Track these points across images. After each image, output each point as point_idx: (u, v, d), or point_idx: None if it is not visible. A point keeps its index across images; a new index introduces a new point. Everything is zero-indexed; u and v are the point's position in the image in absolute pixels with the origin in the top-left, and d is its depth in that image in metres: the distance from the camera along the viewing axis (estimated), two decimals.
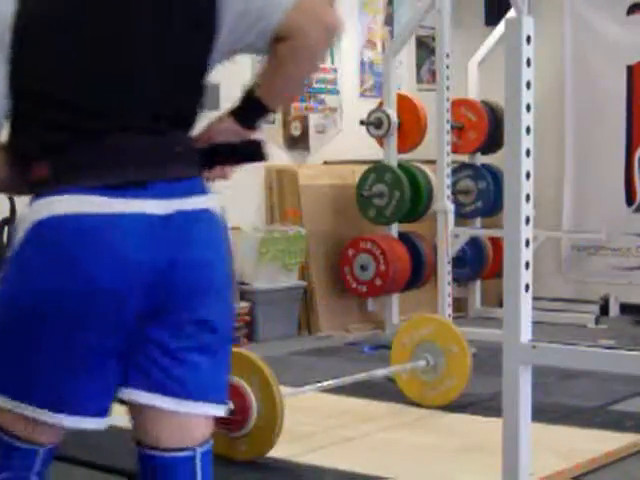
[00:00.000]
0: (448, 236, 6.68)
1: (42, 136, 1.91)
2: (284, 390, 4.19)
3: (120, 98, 1.92)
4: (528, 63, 2.90)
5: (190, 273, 1.97)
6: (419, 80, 9.21)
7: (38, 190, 1.91)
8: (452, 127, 6.91)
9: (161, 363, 2.00)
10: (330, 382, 4.76)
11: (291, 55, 1.97)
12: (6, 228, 6.40)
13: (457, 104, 7.65)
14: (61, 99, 1.89)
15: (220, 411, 2.10)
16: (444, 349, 4.95)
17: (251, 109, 2.10)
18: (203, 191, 2.04)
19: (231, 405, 4.02)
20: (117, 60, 1.91)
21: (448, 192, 6.74)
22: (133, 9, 1.92)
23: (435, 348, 4.97)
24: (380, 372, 4.97)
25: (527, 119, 2.91)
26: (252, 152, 2.13)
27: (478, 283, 8.53)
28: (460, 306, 8.23)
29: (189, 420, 2.07)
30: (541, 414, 3.98)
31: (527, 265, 2.92)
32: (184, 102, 2.07)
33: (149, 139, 1.95)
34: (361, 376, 4.82)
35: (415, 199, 7.50)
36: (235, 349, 4.46)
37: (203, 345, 2.02)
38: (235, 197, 7.48)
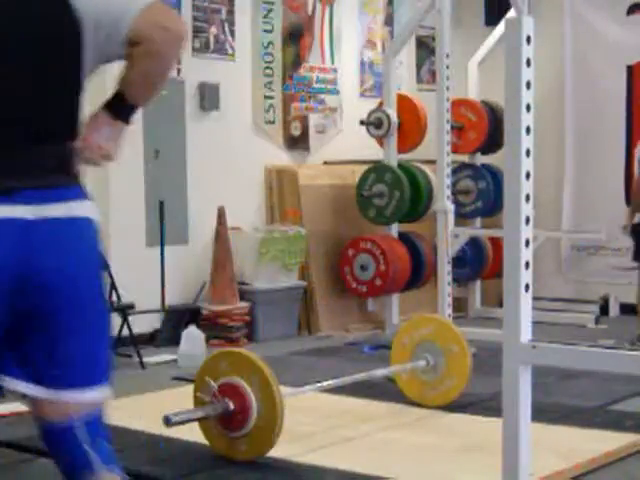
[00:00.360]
0: (448, 236, 6.68)
1: None
2: (284, 390, 4.19)
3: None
4: (528, 63, 2.90)
5: (51, 277, 2.16)
6: (419, 80, 9.22)
7: None
8: (452, 127, 6.91)
9: (34, 357, 2.24)
10: (330, 382, 4.76)
11: (142, 56, 2.21)
12: None
13: (457, 104, 7.66)
14: None
15: (96, 393, 2.31)
16: (444, 349, 4.95)
17: (116, 103, 2.31)
18: (79, 198, 2.24)
19: (231, 405, 4.03)
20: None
21: (448, 192, 6.74)
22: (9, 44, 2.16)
23: (435, 348, 4.97)
24: (380, 372, 4.97)
25: (527, 119, 2.91)
26: None
27: (478, 283, 8.54)
28: (460, 306, 8.23)
29: (66, 404, 2.29)
30: (541, 414, 3.99)
31: (527, 265, 2.92)
32: (56, 118, 2.25)
33: (18, 152, 2.16)
34: (361, 376, 4.82)
35: (415, 199, 7.50)
36: (235, 349, 4.47)
37: (68, 341, 2.24)
38: (235, 197, 7.51)
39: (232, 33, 7.70)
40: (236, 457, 4.07)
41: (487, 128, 8.08)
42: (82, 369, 2.29)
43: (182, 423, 4.01)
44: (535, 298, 3.10)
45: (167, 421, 3.92)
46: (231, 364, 4.11)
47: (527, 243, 2.92)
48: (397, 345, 5.12)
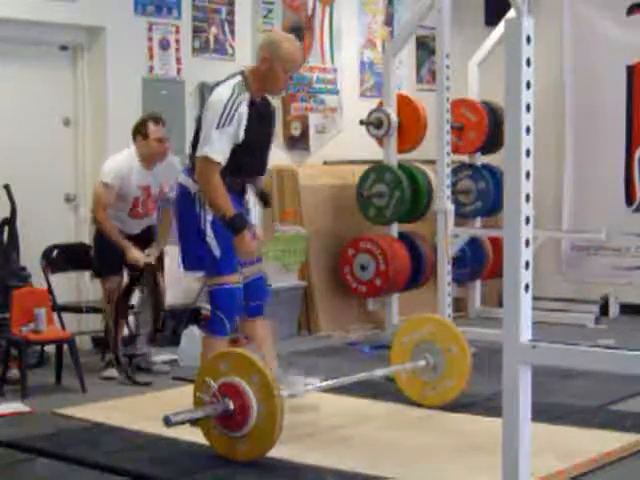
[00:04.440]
0: (448, 236, 6.67)
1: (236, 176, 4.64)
2: (284, 390, 4.19)
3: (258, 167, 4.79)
4: (528, 63, 2.90)
5: None
6: (419, 80, 9.22)
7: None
8: (452, 127, 6.90)
9: None
10: (330, 382, 4.77)
11: None
12: (6, 228, 6.41)
13: (457, 104, 7.65)
14: (247, 167, 4.67)
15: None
16: (444, 349, 4.95)
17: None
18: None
19: (231, 405, 4.03)
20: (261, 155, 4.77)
21: (448, 192, 6.74)
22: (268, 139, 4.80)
23: (435, 348, 4.97)
24: (380, 372, 4.97)
25: (527, 119, 2.91)
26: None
27: (478, 283, 8.53)
28: (460, 306, 8.23)
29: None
30: (541, 414, 3.99)
31: (527, 265, 2.92)
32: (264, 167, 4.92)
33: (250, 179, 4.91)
34: (361, 376, 4.82)
35: (415, 199, 7.50)
36: (235, 349, 4.46)
37: None
38: None
39: (232, 33, 7.70)
40: (236, 457, 4.07)
41: (487, 128, 8.08)
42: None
43: (182, 423, 4.01)
44: (535, 298, 3.11)
45: (167, 421, 3.92)
46: (231, 364, 4.10)
47: (527, 243, 2.92)
48: (397, 345, 5.12)
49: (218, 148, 4.42)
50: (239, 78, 4.57)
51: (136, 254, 5.91)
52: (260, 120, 4.61)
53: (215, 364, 4.16)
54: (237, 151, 4.49)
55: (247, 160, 4.58)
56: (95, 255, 6.10)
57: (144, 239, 6.10)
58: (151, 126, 5.95)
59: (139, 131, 5.97)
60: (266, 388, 4.00)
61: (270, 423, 3.98)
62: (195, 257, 4.67)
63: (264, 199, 5.04)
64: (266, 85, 4.61)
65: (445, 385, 4.96)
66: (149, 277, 5.99)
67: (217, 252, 4.57)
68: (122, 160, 5.94)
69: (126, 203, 5.96)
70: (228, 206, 4.44)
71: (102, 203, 5.91)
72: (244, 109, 4.47)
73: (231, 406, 4.03)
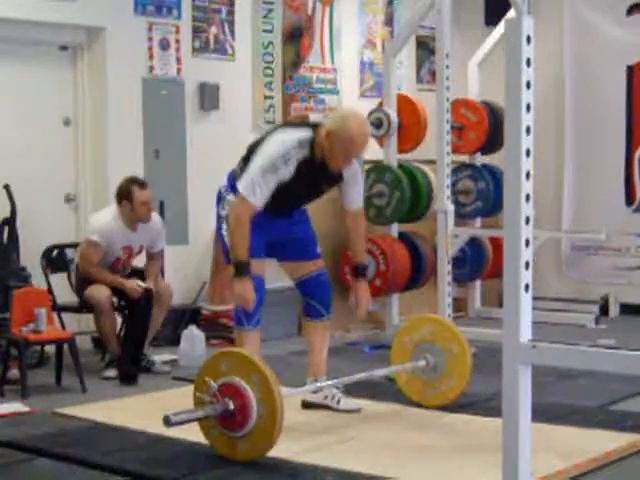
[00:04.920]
0: (448, 236, 6.67)
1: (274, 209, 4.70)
2: (284, 390, 4.19)
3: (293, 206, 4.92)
4: (528, 63, 2.90)
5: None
6: (419, 80, 9.22)
7: None
8: (452, 127, 6.90)
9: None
10: (330, 382, 4.77)
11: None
12: (6, 228, 6.41)
13: (457, 104, 7.65)
14: (287, 205, 4.78)
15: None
16: (444, 349, 4.94)
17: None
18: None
19: (231, 405, 4.03)
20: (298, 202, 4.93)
21: (448, 192, 6.73)
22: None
23: (435, 348, 4.97)
24: (380, 372, 4.98)
25: (527, 119, 2.91)
26: None
27: (478, 283, 8.54)
28: (460, 306, 8.23)
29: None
30: (541, 414, 3.99)
31: (527, 265, 2.92)
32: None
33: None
34: (361, 376, 4.82)
35: (415, 199, 7.50)
36: (234, 349, 4.46)
37: None
38: None
39: (232, 33, 7.70)
40: (236, 457, 4.07)
41: (487, 128, 8.07)
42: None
43: (182, 423, 4.00)
44: (535, 298, 3.11)
45: (167, 421, 3.92)
46: (231, 364, 4.10)
47: (527, 243, 2.92)
48: (397, 345, 5.12)
49: (258, 194, 4.46)
50: (308, 136, 4.57)
51: (133, 283, 6.01)
52: (313, 176, 4.61)
53: (215, 364, 4.16)
54: (276, 191, 4.53)
55: (282, 199, 4.62)
56: (78, 285, 6.18)
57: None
58: (137, 191, 6.04)
59: (125, 196, 6.05)
60: (266, 388, 3.99)
61: (270, 423, 3.98)
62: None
63: None
64: (324, 156, 4.58)
65: (446, 385, 4.95)
66: (144, 305, 6.01)
67: None
68: (107, 222, 6.06)
69: (106, 262, 6.09)
70: (242, 250, 4.51)
71: (91, 261, 6.03)
72: (292, 167, 4.49)
73: (231, 406, 4.03)
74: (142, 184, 6.11)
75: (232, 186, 4.71)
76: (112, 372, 5.97)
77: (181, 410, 4.05)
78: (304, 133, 4.58)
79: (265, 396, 3.99)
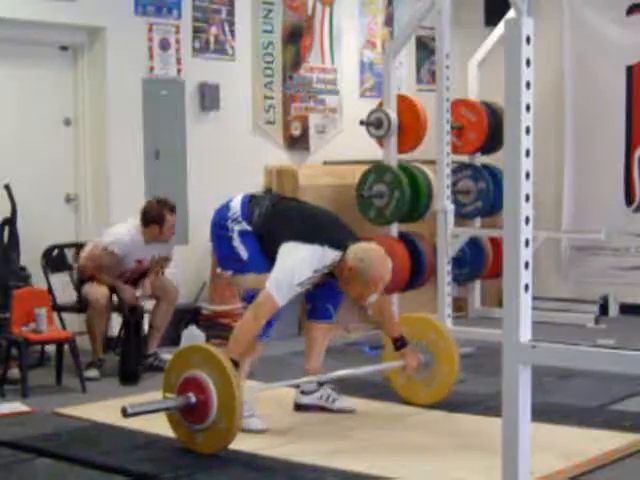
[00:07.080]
0: (448, 236, 6.67)
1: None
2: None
3: None
4: (528, 63, 2.90)
5: None
6: (419, 80, 9.22)
7: None
8: (452, 127, 6.90)
9: None
10: (314, 377, 4.80)
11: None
12: (6, 228, 6.41)
13: (457, 104, 7.65)
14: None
15: None
16: (429, 342, 5.03)
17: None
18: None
19: (193, 398, 4.13)
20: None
21: (448, 192, 6.73)
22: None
23: (422, 344, 5.04)
24: (367, 369, 5.07)
25: (527, 119, 2.91)
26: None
27: (478, 283, 8.53)
28: (460, 306, 8.23)
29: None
30: (541, 414, 3.99)
31: (527, 265, 2.92)
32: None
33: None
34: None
35: (415, 199, 7.49)
36: (201, 345, 4.51)
37: None
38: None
39: (232, 33, 7.70)
40: (195, 449, 4.19)
41: (487, 128, 8.08)
42: None
43: (138, 414, 4.11)
44: (535, 298, 3.11)
45: (124, 412, 4.03)
46: (195, 358, 4.23)
47: (527, 243, 2.92)
48: (388, 345, 5.16)
49: (286, 294, 4.47)
50: (337, 256, 4.58)
51: (131, 292, 6.05)
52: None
53: (183, 358, 4.31)
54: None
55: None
56: (78, 284, 6.20)
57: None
58: (168, 217, 6.06)
59: (156, 220, 6.05)
60: (226, 383, 4.08)
61: (227, 419, 4.07)
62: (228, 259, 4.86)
63: None
64: (339, 277, 4.63)
65: (441, 372, 4.99)
66: (134, 317, 6.04)
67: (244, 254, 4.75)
68: (128, 235, 6.04)
69: (116, 270, 6.10)
70: (239, 352, 4.41)
71: (100, 265, 6.02)
72: (319, 272, 4.56)
73: (192, 399, 4.13)
74: (172, 208, 6.10)
75: (244, 214, 4.79)
76: (94, 372, 5.97)
77: (141, 402, 4.27)
78: (336, 254, 4.57)
79: (224, 392, 4.08)
